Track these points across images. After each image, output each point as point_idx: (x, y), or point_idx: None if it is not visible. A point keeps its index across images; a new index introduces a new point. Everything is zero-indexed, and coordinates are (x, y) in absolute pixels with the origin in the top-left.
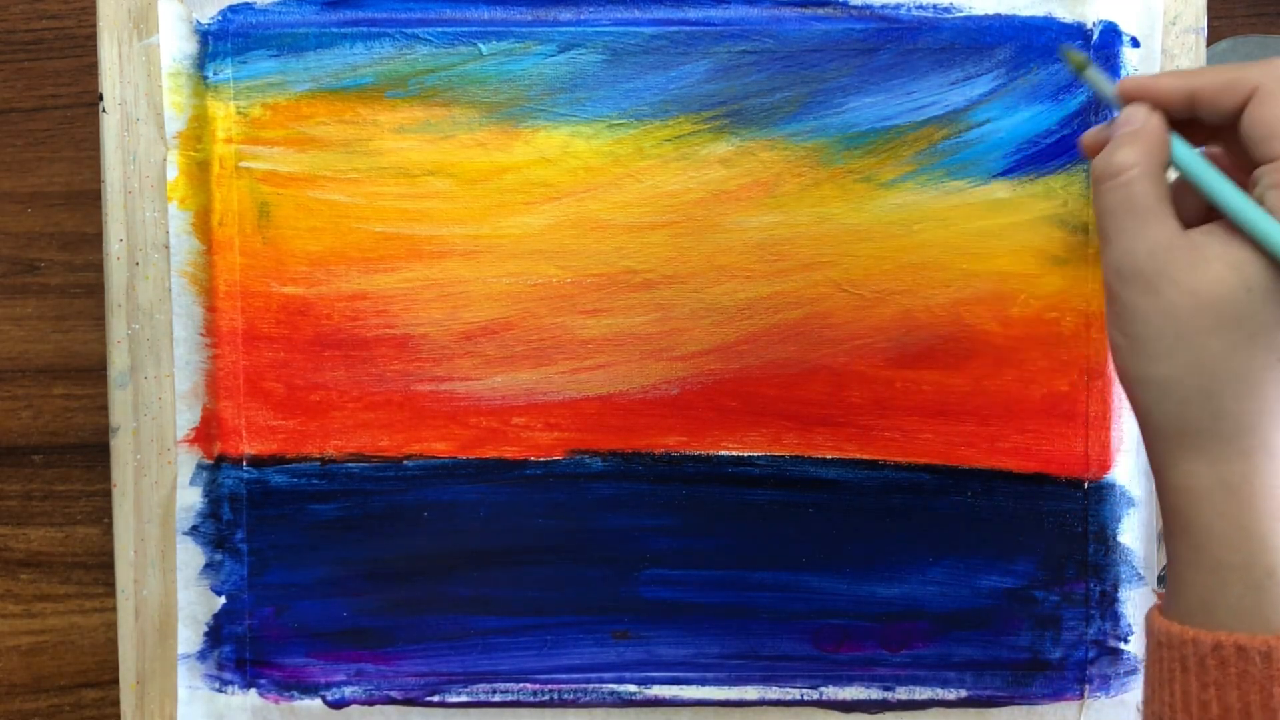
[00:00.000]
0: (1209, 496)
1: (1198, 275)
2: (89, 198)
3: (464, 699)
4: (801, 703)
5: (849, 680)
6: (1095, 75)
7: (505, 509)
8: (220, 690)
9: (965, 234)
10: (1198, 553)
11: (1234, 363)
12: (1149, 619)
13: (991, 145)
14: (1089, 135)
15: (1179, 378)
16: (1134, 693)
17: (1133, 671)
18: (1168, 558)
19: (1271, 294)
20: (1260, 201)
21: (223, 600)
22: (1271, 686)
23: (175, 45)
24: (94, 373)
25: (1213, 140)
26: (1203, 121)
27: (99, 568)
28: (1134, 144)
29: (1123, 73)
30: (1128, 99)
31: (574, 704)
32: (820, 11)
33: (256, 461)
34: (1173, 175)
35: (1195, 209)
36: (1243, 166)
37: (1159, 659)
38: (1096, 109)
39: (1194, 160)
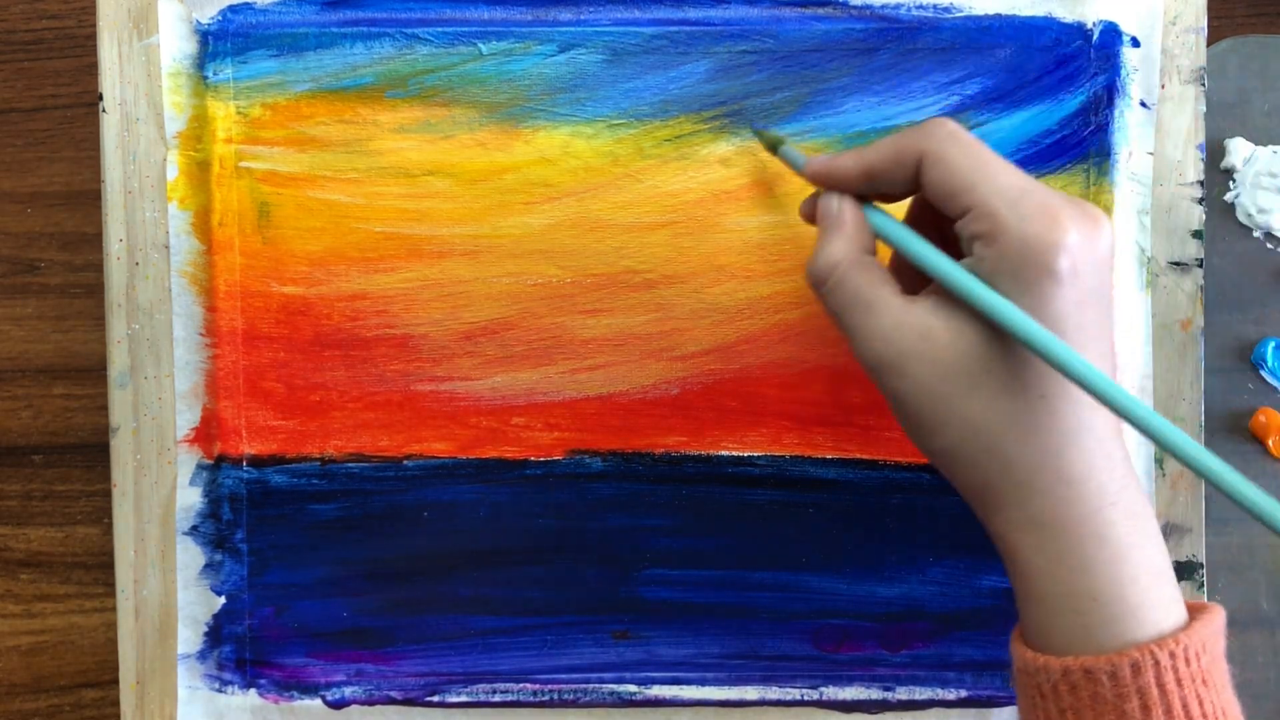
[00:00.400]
0: (1025, 537)
1: (932, 344)
2: (89, 198)
3: (464, 699)
4: (801, 703)
5: (849, 680)
6: (789, 155)
7: (505, 509)
8: (220, 690)
9: None
10: (1028, 587)
11: (1001, 413)
12: (1012, 645)
13: (991, 145)
14: (801, 208)
15: (959, 443)
16: None
17: None
18: (1014, 594)
19: (1004, 340)
20: (968, 254)
21: (223, 600)
22: (1122, 705)
23: (175, 45)
24: (94, 373)
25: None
26: (885, 195)
27: (99, 568)
28: (835, 239)
29: (1123, 72)
30: (816, 183)
31: (574, 704)
32: (820, 11)
33: (256, 461)
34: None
35: (918, 273)
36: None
37: (1021, 686)
38: (1097, 110)
39: (897, 232)
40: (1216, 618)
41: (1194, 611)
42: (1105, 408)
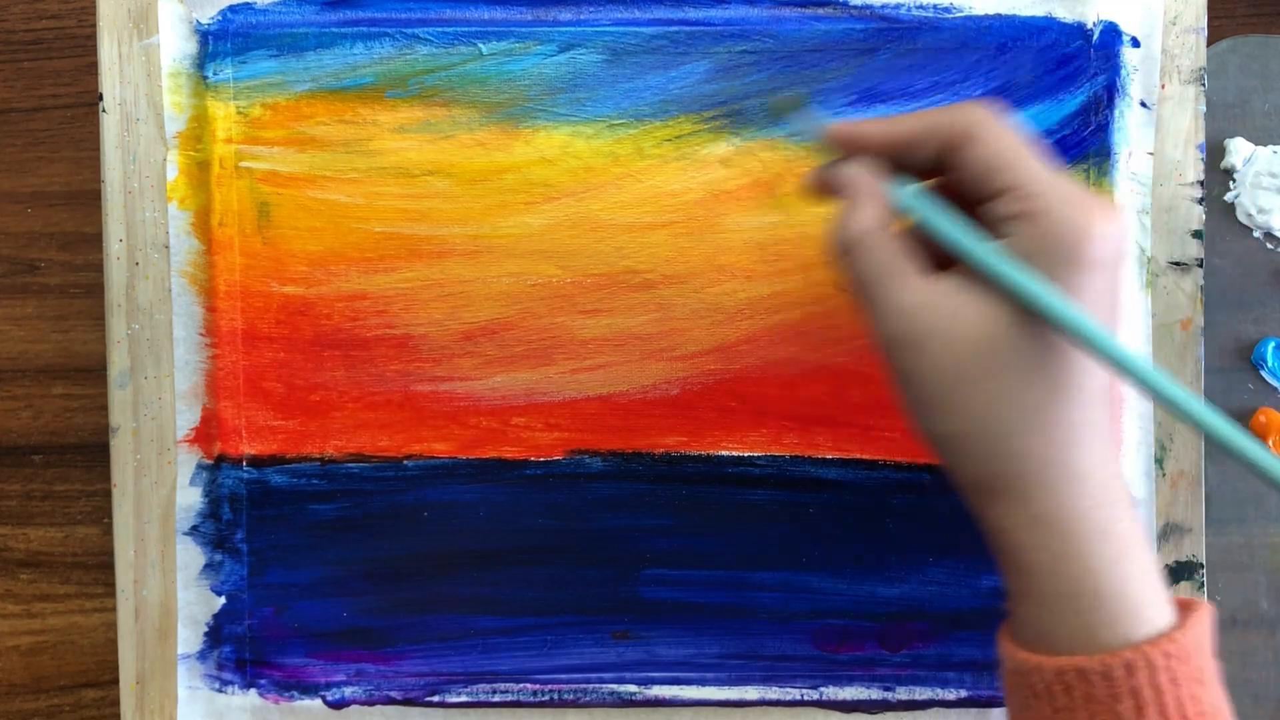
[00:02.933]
0: (1026, 534)
1: (955, 325)
2: (89, 198)
3: (464, 699)
4: (801, 703)
5: (849, 680)
6: (803, 119)
7: (505, 509)
8: (220, 690)
9: None
10: (1027, 585)
11: (1015, 402)
12: (1002, 645)
13: None
14: (807, 177)
15: (970, 430)
16: None
17: None
18: (1006, 591)
19: (1031, 326)
20: (1002, 235)
21: (223, 600)
22: (1116, 705)
23: (175, 45)
24: (94, 373)
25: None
26: (907, 166)
27: (99, 568)
28: (863, 206)
29: (1124, 72)
30: (837, 145)
31: (574, 704)
32: (820, 11)
33: (256, 462)
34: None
35: (935, 248)
36: (957, 196)
37: (1014, 686)
38: (1097, 110)
39: (920, 206)
40: (1207, 615)
41: (1183, 608)
42: (1147, 395)
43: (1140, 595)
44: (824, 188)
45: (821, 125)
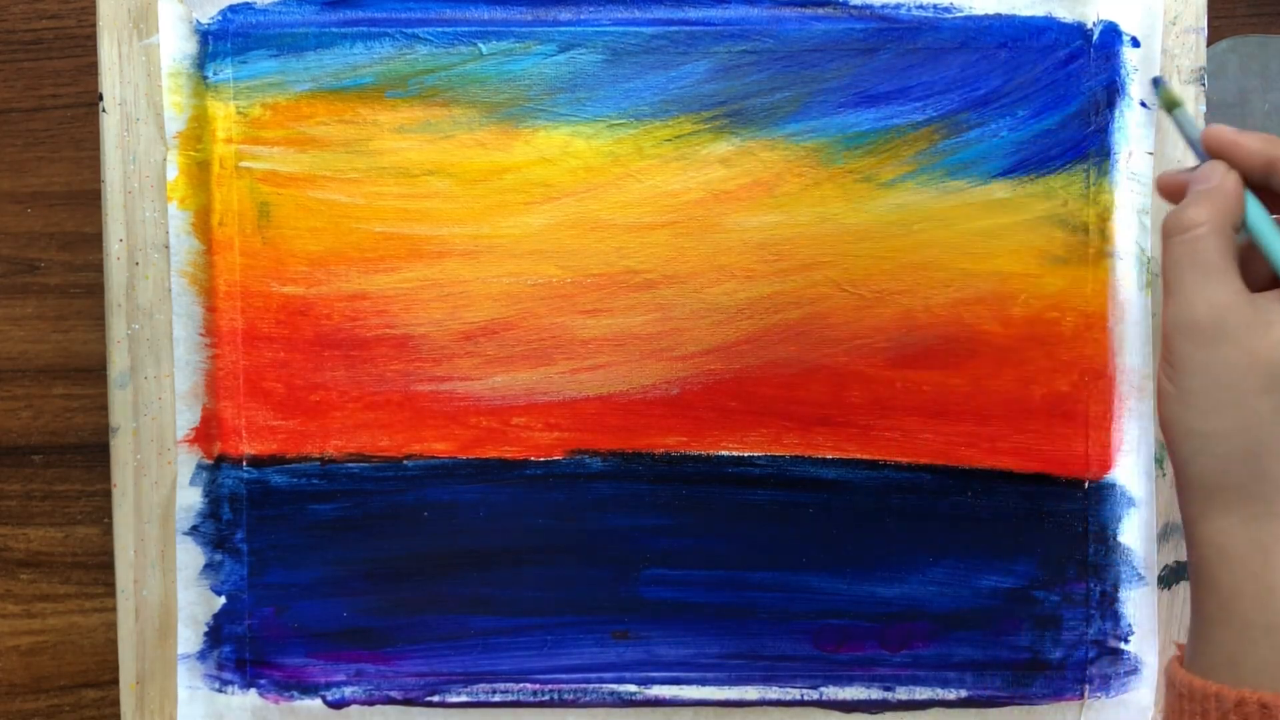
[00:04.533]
0: (1240, 555)
1: (1256, 336)
2: (89, 198)
3: (464, 699)
4: (801, 703)
5: (849, 680)
6: (1185, 117)
7: (505, 509)
8: (220, 690)
9: (965, 234)
10: (1225, 610)
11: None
12: (1170, 671)
13: (991, 145)
14: (1164, 177)
15: (1224, 434)
16: (1134, 693)
17: (1133, 671)
18: (1193, 610)
19: None
20: None
21: (223, 600)
22: None
23: (175, 45)
24: (94, 373)
25: None
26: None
27: (99, 568)
28: (1207, 202)
29: (1123, 72)
30: (1210, 152)
31: (574, 704)
32: (820, 11)
33: (256, 461)
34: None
35: (1266, 273)
36: None
37: (1180, 710)
38: (1097, 110)
39: (1265, 227)
40: None
41: None
42: None
43: None
44: (1176, 188)
45: (1199, 129)
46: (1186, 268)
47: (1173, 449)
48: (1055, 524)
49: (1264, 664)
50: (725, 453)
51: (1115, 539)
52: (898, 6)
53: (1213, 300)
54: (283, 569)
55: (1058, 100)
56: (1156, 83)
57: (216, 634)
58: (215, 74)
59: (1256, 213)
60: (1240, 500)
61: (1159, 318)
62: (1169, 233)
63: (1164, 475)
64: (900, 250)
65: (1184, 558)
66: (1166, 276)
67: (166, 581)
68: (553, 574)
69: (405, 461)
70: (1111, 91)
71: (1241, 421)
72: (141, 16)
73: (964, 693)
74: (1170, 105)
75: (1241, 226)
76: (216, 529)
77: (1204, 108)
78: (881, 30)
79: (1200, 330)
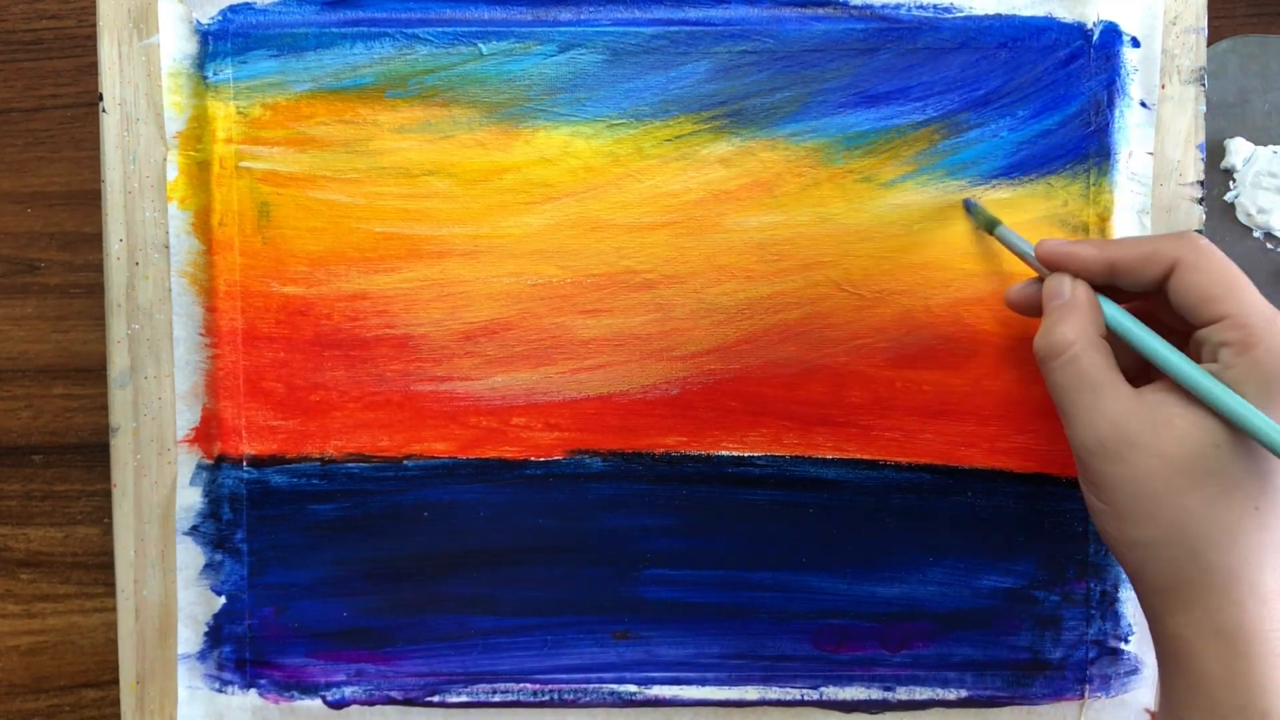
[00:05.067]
0: (1204, 644)
1: (1162, 438)
2: (89, 198)
3: (464, 699)
4: (801, 703)
5: (849, 680)
6: (1007, 235)
7: (505, 509)
8: (220, 690)
9: (965, 234)
10: (1194, 694)
11: (1214, 517)
12: None
13: (991, 145)
14: (1010, 293)
15: (1163, 539)
16: (1134, 693)
17: (1133, 671)
18: (1162, 693)
19: (1237, 445)
20: (1213, 360)
21: (223, 600)
22: None
23: (175, 45)
24: (94, 373)
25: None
26: (1122, 289)
27: (99, 568)
28: (1069, 318)
29: (1124, 72)
30: (1048, 265)
31: (574, 704)
32: (820, 11)
33: (256, 461)
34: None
35: (1137, 360)
36: (1171, 318)
37: None
38: (1097, 110)
39: (1128, 324)
40: None
41: None
42: None
43: None
44: (1027, 302)
45: (1029, 247)
46: (1075, 390)
47: (1120, 559)
48: (1055, 524)
49: None
50: (725, 453)
51: None
52: (898, 6)
53: (1111, 415)
54: (283, 569)
55: (1058, 100)
56: (968, 206)
57: (216, 634)
58: (215, 74)
59: (1115, 314)
60: (1195, 595)
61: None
62: (1045, 358)
63: None
64: (900, 250)
65: None
66: (1057, 400)
67: (166, 581)
68: (553, 574)
69: (405, 461)
70: (1112, 92)
71: (1176, 523)
72: (141, 16)
73: (964, 693)
74: (989, 227)
75: (1104, 331)
76: (216, 529)
77: (1204, 108)
78: (881, 30)
79: (1108, 448)
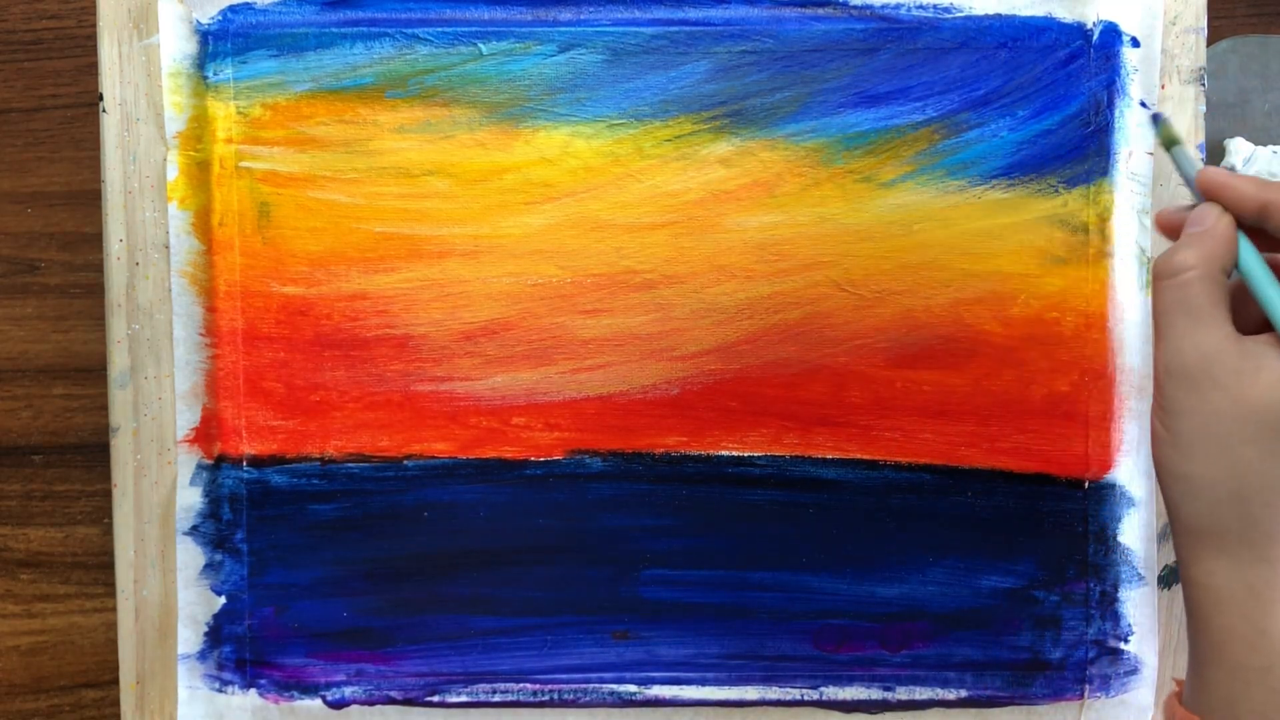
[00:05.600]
0: (1232, 598)
1: (1244, 383)
2: (89, 198)
3: (464, 699)
4: (801, 703)
5: (849, 680)
6: (1183, 155)
7: (505, 509)
8: (220, 690)
9: (965, 234)
10: (1219, 652)
11: (1270, 471)
12: (1168, 707)
13: (991, 145)
14: (1162, 215)
15: (1214, 479)
16: (1134, 693)
17: (1133, 671)
18: (1190, 650)
19: None
20: None
21: (223, 600)
22: None
23: (175, 45)
24: (94, 373)
25: None
26: (1271, 234)
27: (99, 568)
28: (1198, 246)
29: (1123, 72)
30: (1206, 193)
31: (574, 704)
32: (820, 11)
33: (256, 461)
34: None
35: (1258, 316)
36: None
37: None
38: (1097, 110)
39: (1257, 271)
40: None
41: None
42: None
43: None
44: (1173, 224)
45: (1195, 170)
46: (1176, 312)
47: (1164, 491)
48: (1055, 524)
49: (1260, 706)
50: (725, 453)
51: (1115, 539)
52: (898, 6)
53: (1201, 346)
54: (283, 569)
55: (1058, 100)
56: (1156, 119)
57: (216, 634)
58: (215, 74)
59: (1249, 256)
60: (1230, 544)
61: None
62: (1159, 276)
63: None
64: (900, 250)
65: None
66: (1157, 320)
67: (166, 581)
68: (553, 574)
69: (405, 461)
70: (1111, 92)
71: (1230, 467)
72: (141, 16)
73: (964, 693)
74: (1170, 143)
75: (1234, 269)
76: (216, 529)
77: (1204, 108)
78: (881, 30)
79: (1189, 376)
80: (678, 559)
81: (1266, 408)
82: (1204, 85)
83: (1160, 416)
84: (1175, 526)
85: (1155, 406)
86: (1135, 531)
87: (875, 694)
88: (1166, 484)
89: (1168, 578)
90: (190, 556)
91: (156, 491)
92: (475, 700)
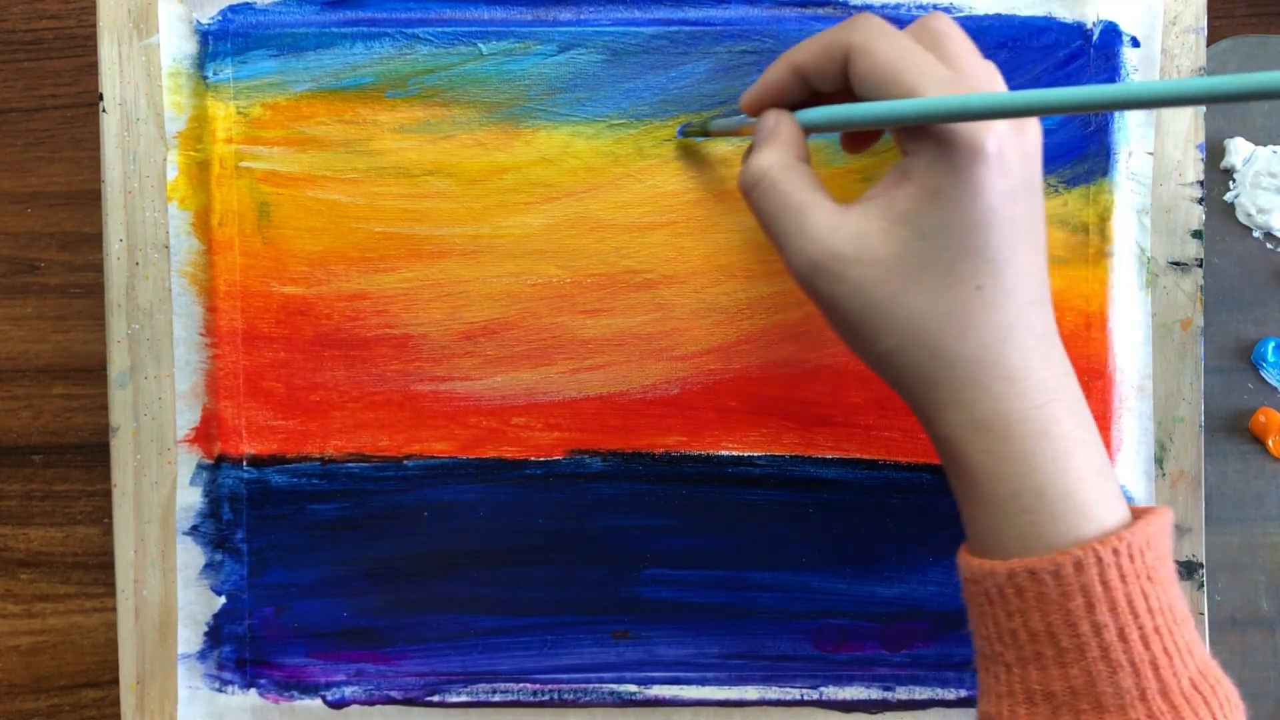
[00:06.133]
0: (969, 439)
1: (870, 245)
2: (89, 198)
3: (464, 699)
4: (801, 703)
5: (849, 680)
6: (719, 124)
7: (505, 509)
8: (220, 690)
9: None
10: (974, 490)
11: (940, 308)
12: (959, 558)
13: None
14: (714, 126)
15: (902, 345)
16: None
17: None
18: (956, 500)
19: (943, 230)
20: (900, 149)
21: (223, 600)
22: (1067, 603)
23: (175, 45)
24: (94, 373)
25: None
26: (821, 93)
27: (99, 568)
28: (764, 146)
29: (1123, 72)
30: (752, 110)
31: (574, 704)
32: (820, 11)
33: (256, 461)
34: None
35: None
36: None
37: (970, 595)
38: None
39: (824, 111)
40: (1162, 517)
41: (1141, 514)
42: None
43: (1088, 494)
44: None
45: (737, 109)
46: (777, 215)
47: (881, 377)
48: None
49: (1020, 531)
50: (725, 453)
51: None
52: (898, 7)
53: (817, 234)
54: (283, 569)
55: None
56: (681, 132)
57: (216, 634)
58: (215, 74)
59: (808, 114)
60: (949, 392)
61: (1159, 317)
62: (746, 190)
63: (1164, 475)
64: None
65: (1184, 557)
66: (768, 233)
67: (166, 581)
68: (553, 574)
69: (405, 461)
70: None
71: (909, 325)
72: (141, 16)
73: (964, 693)
74: (702, 133)
75: (809, 136)
76: (216, 529)
77: (1204, 108)
78: None
79: (822, 267)
80: (677, 559)
81: (899, 254)
82: None
83: (828, 319)
84: (903, 398)
85: (821, 313)
86: None
87: (875, 694)
88: (878, 372)
89: None
90: (190, 556)
91: (156, 491)
92: (475, 700)
